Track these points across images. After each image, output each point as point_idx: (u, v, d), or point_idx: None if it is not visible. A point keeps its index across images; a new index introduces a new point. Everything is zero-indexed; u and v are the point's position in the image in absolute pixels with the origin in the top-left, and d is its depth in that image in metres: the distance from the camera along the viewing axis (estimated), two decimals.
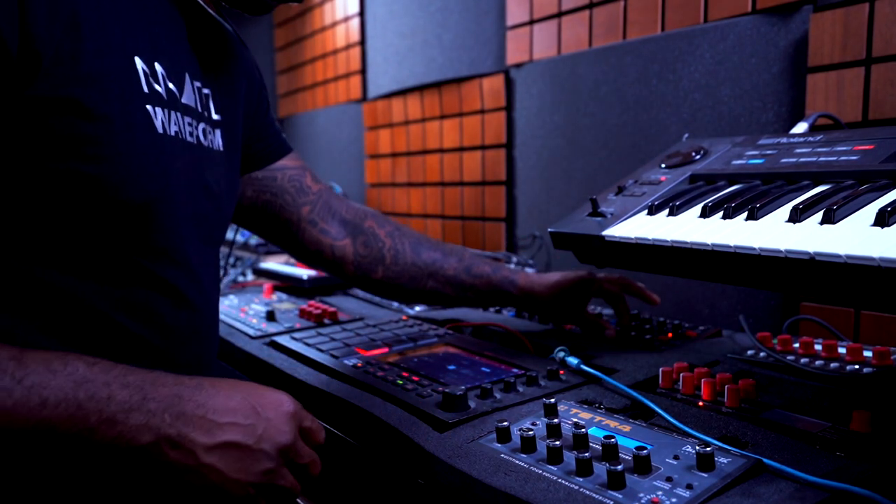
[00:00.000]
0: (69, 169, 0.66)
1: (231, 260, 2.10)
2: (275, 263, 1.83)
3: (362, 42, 2.52)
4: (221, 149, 0.90)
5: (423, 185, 2.21)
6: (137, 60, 0.73)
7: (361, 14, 2.51)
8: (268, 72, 3.35)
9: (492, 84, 1.86)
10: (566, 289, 1.13)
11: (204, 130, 0.86)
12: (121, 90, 0.70)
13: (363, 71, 2.54)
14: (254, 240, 2.26)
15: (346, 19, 2.61)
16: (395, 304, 1.46)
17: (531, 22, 1.72)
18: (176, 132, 0.78)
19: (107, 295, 0.72)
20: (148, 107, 0.74)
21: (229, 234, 2.63)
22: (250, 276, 1.87)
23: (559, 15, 1.65)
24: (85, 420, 0.60)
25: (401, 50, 2.26)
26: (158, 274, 0.77)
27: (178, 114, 0.79)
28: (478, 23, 1.91)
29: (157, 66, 0.76)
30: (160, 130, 0.75)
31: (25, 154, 0.64)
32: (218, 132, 0.90)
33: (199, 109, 0.85)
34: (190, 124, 0.82)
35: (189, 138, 0.81)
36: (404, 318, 1.28)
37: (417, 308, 1.43)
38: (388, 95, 2.36)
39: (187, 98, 0.82)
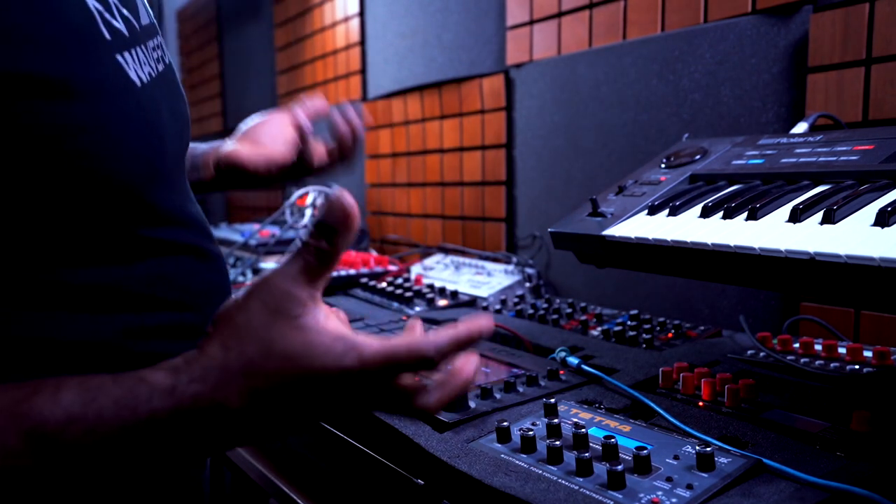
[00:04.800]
0: (62, 153, 0.54)
1: (231, 260, 2.09)
2: (275, 264, 1.83)
3: (362, 42, 2.52)
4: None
5: (423, 185, 2.21)
6: None
7: (361, 14, 2.51)
8: (268, 72, 3.34)
9: (492, 84, 1.86)
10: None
11: (161, 44, 0.72)
12: (81, 47, 0.56)
13: (363, 71, 2.54)
14: (254, 240, 2.26)
15: (346, 19, 2.61)
16: (396, 305, 1.46)
17: (531, 22, 1.72)
18: (149, 73, 0.65)
19: (133, 273, 0.63)
20: (118, 57, 0.59)
21: (229, 235, 2.61)
22: (250, 277, 1.87)
23: (559, 15, 1.65)
24: (144, 403, 0.49)
25: (401, 50, 2.26)
26: (172, 239, 0.68)
27: (141, 46, 0.65)
28: (478, 23, 1.91)
29: None
30: (137, 83, 0.61)
31: (15, 158, 0.52)
32: (160, 39, 0.74)
33: (151, 20, 0.70)
34: (154, 49, 0.69)
35: (159, 65, 0.69)
36: (404, 318, 1.28)
37: (417, 308, 1.43)
38: (388, 95, 2.36)
39: (143, 16, 0.68)
